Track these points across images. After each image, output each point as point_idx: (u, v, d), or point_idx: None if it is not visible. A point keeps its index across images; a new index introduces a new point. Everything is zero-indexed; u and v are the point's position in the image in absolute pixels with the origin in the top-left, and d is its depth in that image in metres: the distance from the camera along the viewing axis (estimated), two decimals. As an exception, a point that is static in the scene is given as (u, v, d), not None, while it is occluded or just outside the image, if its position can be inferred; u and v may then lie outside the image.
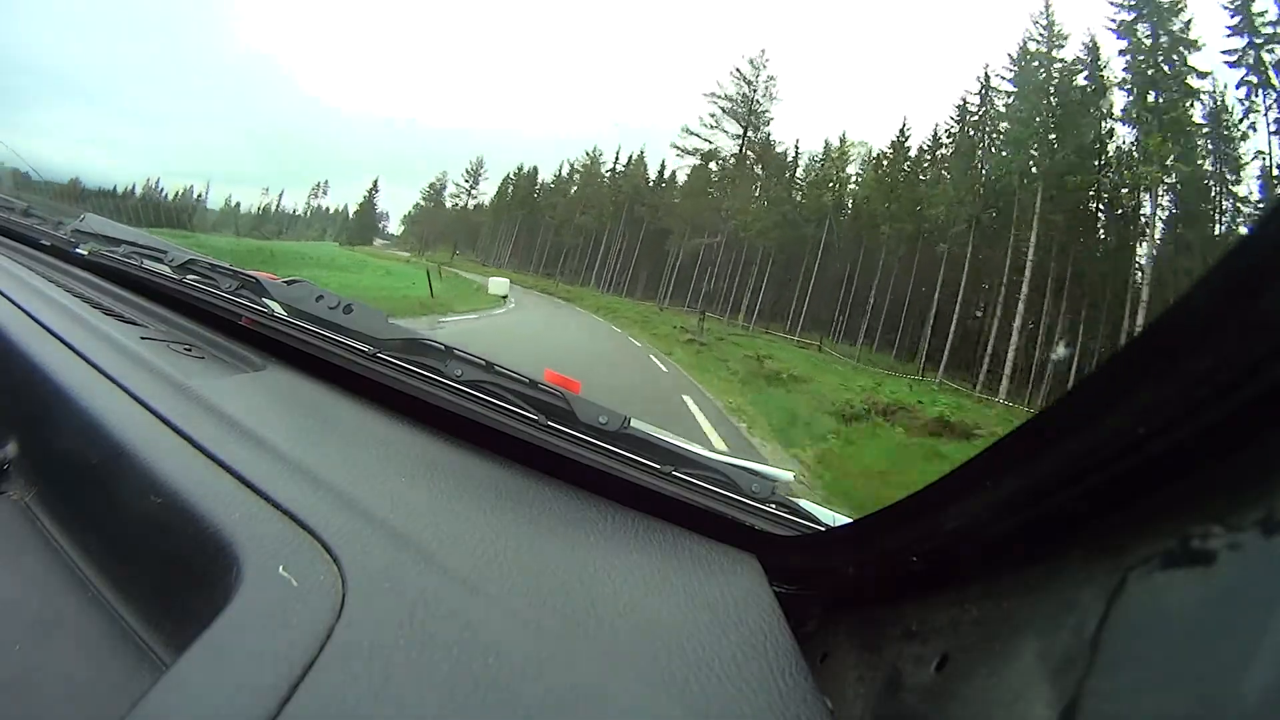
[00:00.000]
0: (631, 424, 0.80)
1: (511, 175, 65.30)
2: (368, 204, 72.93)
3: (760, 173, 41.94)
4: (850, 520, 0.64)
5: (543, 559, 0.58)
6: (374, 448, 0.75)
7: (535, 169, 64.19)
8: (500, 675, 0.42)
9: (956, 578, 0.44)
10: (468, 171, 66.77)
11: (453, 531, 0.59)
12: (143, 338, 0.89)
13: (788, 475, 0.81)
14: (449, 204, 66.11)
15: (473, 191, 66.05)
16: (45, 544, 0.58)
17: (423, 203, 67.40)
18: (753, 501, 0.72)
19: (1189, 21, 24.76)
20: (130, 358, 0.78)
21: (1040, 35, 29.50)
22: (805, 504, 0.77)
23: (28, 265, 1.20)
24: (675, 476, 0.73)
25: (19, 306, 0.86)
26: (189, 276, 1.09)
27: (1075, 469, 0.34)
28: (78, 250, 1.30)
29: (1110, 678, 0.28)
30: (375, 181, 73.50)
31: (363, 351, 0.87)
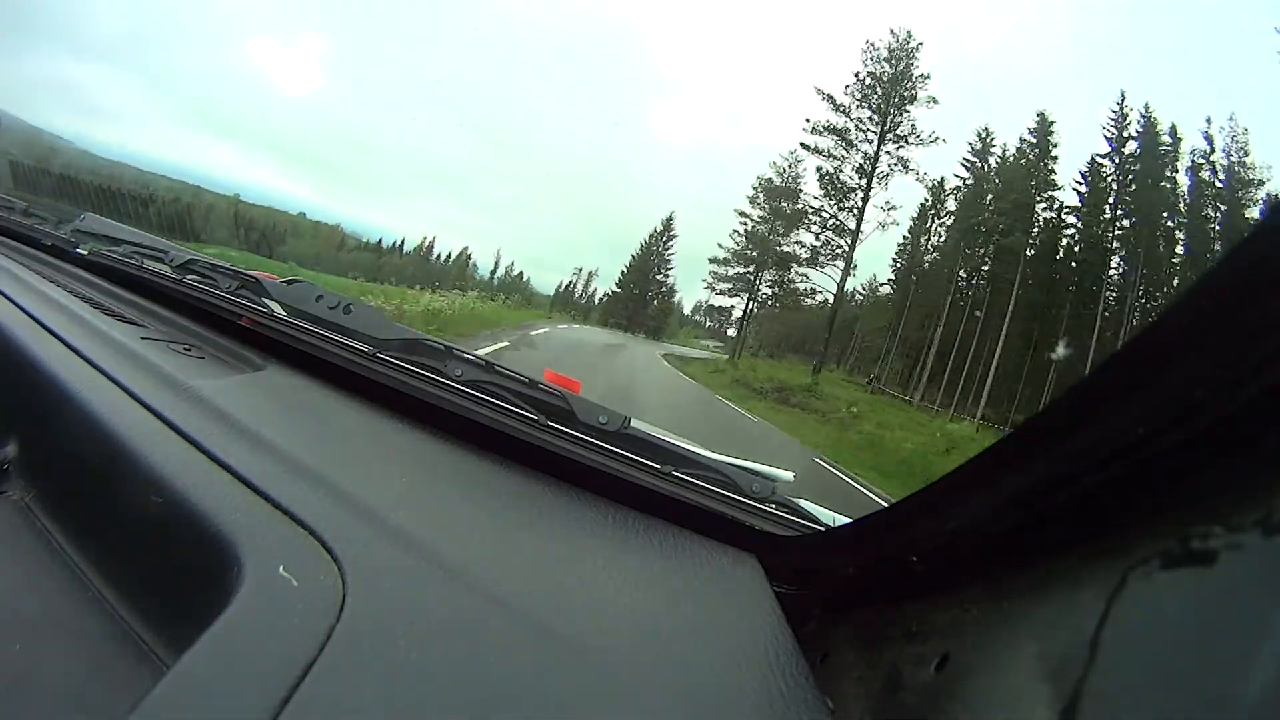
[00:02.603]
0: (631, 424, 0.80)
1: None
2: (641, 271, 45.60)
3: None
4: (850, 520, 0.64)
5: (543, 559, 0.58)
6: (374, 448, 0.75)
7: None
8: (501, 675, 0.42)
9: (956, 578, 0.44)
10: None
11: (453, 531, 0.59)
12: (143, 338, 0.89)
13: (788, 475, 0.81)
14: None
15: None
16: (45, 544, 0.58)
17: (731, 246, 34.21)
18: (753, 501, 0.72)
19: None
20: (130, 358, 0.78)
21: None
22: (805, 504, 0.77)
23: (28, 265, 1.20)
24: (675, 476, 0.73)
25: (19, 306, 0.86)
26: (189, 276, 1.09)
27: (1075, 469, 0.34)
28: (78, 250, 1.30)
29: (1110, 678, 0.28)
30: (669, 219, 46.26)
31: (363, 351, 0.87)
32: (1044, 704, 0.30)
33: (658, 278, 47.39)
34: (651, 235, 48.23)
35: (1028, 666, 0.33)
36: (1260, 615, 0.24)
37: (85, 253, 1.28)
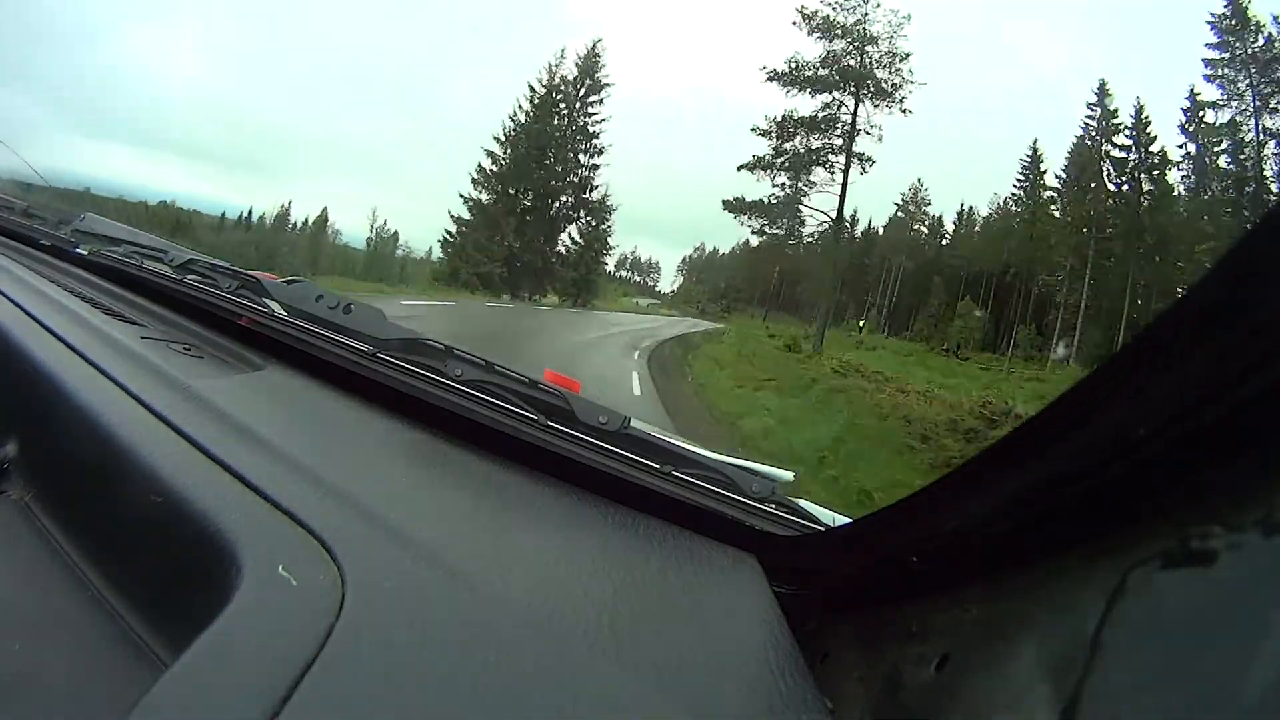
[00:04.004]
0: (631, 424, 0.80)
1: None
2: (537, 146, 24.72)
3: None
4: (850, 520, 0.64)
5: (543, 559, 0.59)
6: (374, 447, 0.75)
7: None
8: (500, 675, 0.42)
9: (956, 578, 0.44)
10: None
11: (453, 531, 0.59)
12: (143, 337, 0.89)
13: (788, 475, 0.81)
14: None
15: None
16: (45, 544, 0.58)
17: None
18: (753, 501, 0.72)
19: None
20: (130, 357, 0.78)
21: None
22: (805, 504, 0.77)
23: (28, 265, 1.20)
24: (675, 476, 0.73)
25: (19, 306, 0.86)
26: (189, 276, 1.09)
27: (1075, 469, 0.34)
28: (78, 250, 1.30)
29: (1110, 678, 0.28)
30: (592, 50, 27.66)
31: (363, 351, 0.87)
32: (1044, 704, 0.30)
33: (578, 164, 21.77)
34: (552, 75, 22.73)
35: (1028, 666, 0.33)
36: (1260, 615, 0.24)
37: (85, 253, 1.28)
